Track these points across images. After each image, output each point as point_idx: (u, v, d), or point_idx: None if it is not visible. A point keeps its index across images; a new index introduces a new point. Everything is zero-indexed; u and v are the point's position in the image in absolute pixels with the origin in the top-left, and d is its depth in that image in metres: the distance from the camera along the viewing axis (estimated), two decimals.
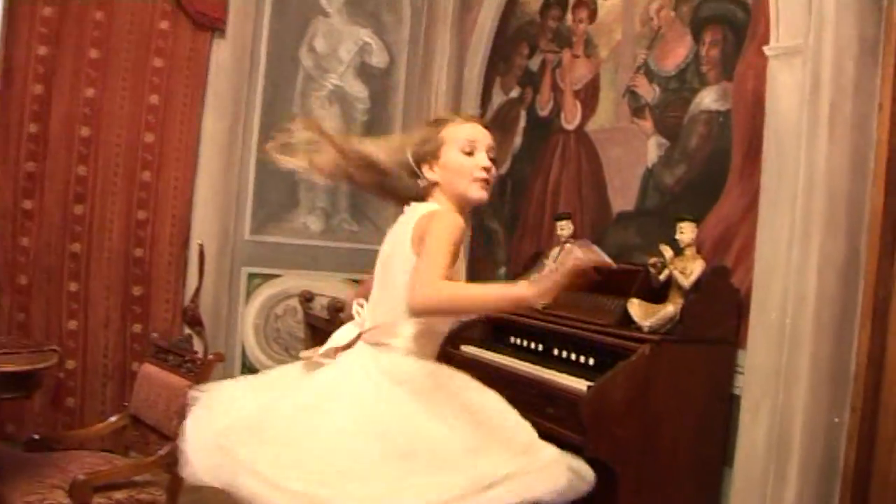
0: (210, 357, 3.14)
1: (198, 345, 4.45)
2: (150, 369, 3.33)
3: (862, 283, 2.71)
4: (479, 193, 2.16)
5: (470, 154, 2.16)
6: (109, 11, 4.70)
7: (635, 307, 3.10)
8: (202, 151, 4.90)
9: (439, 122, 2.25)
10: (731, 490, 3.09)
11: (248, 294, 5.07)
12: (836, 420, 2.74)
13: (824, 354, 2.76)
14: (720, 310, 3.05)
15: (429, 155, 2.19)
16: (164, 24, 4.80)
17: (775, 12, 3.05)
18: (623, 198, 3.73)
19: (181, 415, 2.90)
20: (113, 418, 3.40)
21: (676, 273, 3.07)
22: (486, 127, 2.24)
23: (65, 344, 4.57)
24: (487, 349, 3.62)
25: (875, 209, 2.67)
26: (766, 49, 3.07)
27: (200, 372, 3.04)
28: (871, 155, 2.70)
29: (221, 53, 4.93)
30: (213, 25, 4.87)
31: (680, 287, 3.06)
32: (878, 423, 2.63)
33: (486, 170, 2.15)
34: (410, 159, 2.20)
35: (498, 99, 4.81)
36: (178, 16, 4.82)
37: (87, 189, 4.68)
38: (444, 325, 2.17)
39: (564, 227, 3.75)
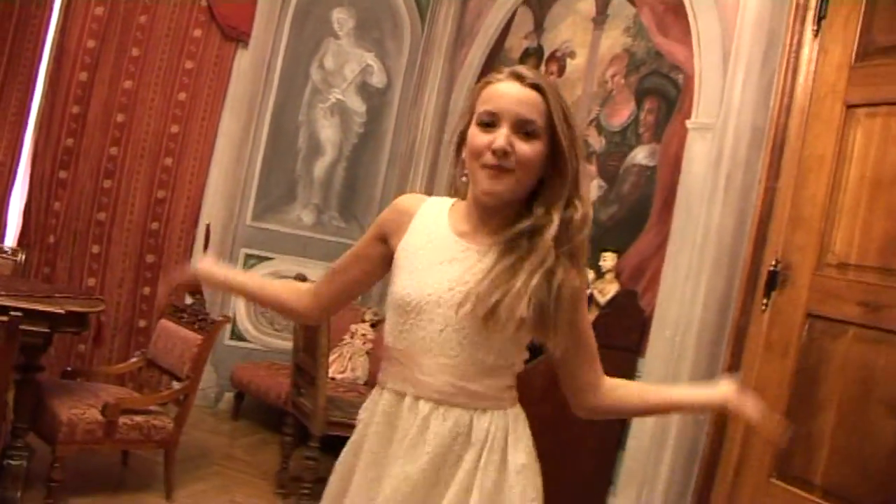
0: (220, 318, 3.90)
1: None
2: (167, 324, 4.08)
3: (731, 315, 3.50)
4: (482, 184, 1.55)
5: (488, 127, 1.55)
6: (152, 16, 5.41)
7: None
8: (218, 145, 5.61)
9: (480, 85, 1.64)
10: (621, 469, 3.88)
11: (245, 270, 5.81)
12: (701, 417, 3.54)
13: (700, 365, 3.55)
14: (627, 324, 3.84)
15: (461, 132, 1.65)
16: (197, 32, 5.52)
17: (697, 95, 3.84)
18: None
19: (192, 361, 3.70)
20: (133, 359, 4.16)
21: (596, 292, 3.86)
22: (535, 87, 1.56)
23: None
24: None
25: (746, 258, 3.46)
26: (687, 122, 3.86)
27: (211, 330, 3.80)
28: (749, 217, 3.50)
29: (243, 62, 5.65)
30: (238, 37, 5.59)
31: (598, 304, 3.85)
32: (726, 424, 3.42)
33: (497, 152, 1.51)
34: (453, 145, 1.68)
35: None
36: (210, 26, 5.54)
37: (117, 167, 5.39)
38: None
39: None
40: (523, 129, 1.54)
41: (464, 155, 1.62)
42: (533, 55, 5.14)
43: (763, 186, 3.47)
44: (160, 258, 5.50)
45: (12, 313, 2.80)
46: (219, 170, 5.64)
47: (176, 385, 3.87)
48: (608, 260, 3.91)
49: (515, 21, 5.38)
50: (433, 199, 1.73)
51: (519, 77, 1.58)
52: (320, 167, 5.95)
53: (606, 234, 4.21)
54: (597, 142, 4.44)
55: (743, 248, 3.50)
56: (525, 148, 1.54)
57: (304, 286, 1.91)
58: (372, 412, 1.66)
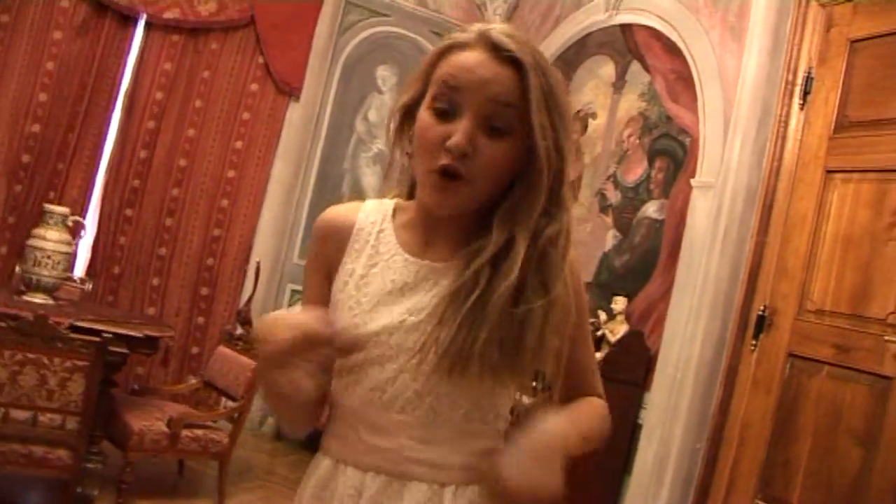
0: None
1: None
2: (224, 350, 4.57)
3: (724, 354, 3.92)
4: (429, 196, 1.22)
5: (444, 115, 1.20)
6: (214, 72, 5.98)
7: None
8: (269, 189, 6.13)
9: (440, 49, 1.26)
10: (627, 492, 4.29)
11: (290, 305, 6.29)
12: (698, 446, 3.95)
13: (696, 400, 3.97)
14: (634, 361, 4.27)
15: (404, 105, 1.29)
16: (254, 87, 6.07)
17: (701, 156, 4.30)
18: (585, 271, 4.96)
19: (246, 383, 4.18)
20: (193, 380, 4.65)
21: (607, 332, 4.30)
22: (514, 61, 1.18)
23: None
24: None
25: (738, 304, 3.89)
26: (692, 181, 4.32)
27: None
28: (742, 267, 3.93)
29: (295, 114, 6.18)
30: (291, 92, 6.14)
31: (608, 341, 4.29)
32: (719, 450, 3.84)
33: (453, 150, 1.17)
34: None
35: None
36: (265, 81, 6.09)
37: (178, 206, 5.92)
38: None
39: None
40: (492, 122, 1.19)
41: (408, 148, 1.28)
42: None
43: (754, 240, 3.91)
44: (214, 291, 6.01)
45: (104, 335, 3.31)
46: (269, 211, 6.14)
47: (231, 404, 4.34)
48: (619, 303, 4.35)
49: None
50: (369, 204, 1.38)
51: (493, 46, 1.19)
52: None
53: (619, 280, 4.65)
54: (613, 195, 4.90)
55: (736, 294, 3.94)
56: (490, 151, 1.19)
57: None
58: (304, 485, 1.33)
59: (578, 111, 5.40)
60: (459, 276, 1.23)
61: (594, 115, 5.25)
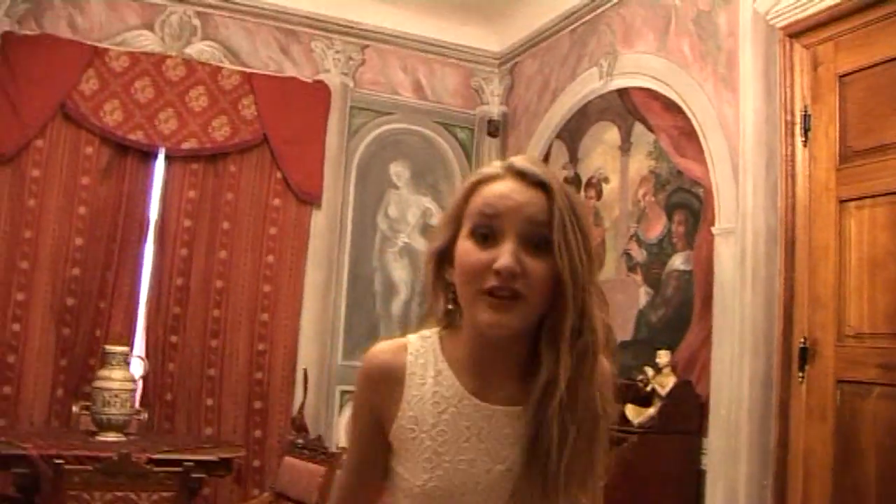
0: (338, 449, 4.53)
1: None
2: (291, 460, 4.71)
3: (774, 389, 4.04)
4: (484, 316, 1.25)
5: (485, 241, 1.27)
6: (237, 193, 6.23)
7: (629, 410, 4.45)
8: (305, 296, 6.33)
9: (470, 185, 1.35)
10: None
11: (341, 406, 6.41)
12: (765, 483, 4.04)
13: (754, 438, 4.07)
14: (687, 410, 4.39)
15: (439, 247, 1.35)
16: (276, 201, 6.31)
17: (717, 204, 4.47)
18: (623, 331, 5.10)
19: (319, 489, 4.32)
20: (266, 494, 4.79)
21: (656, 385, 4.43)
22: (541, 185, 1.28)
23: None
24: None
25: (778, 339, 4.03)
26: (713, 229, 4.48)
27: (332, 460, 4.43)
28: (776, 303, 4.08)
29: (318, 221, 6.40)
30: (312, 201, 6.37)
31: (659, 395, 4.41)
32: (787, 484, 3.93)
33: (503, 273, 1.22)
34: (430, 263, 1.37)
35: None
36: (286, 195, 6.33)
37: (220, 327, 6.11)
38: None
39: None
40: (532, 240, 1.25)
41: (450, 275, 1.32)
42: (572, 183, 5.82)
43: (783, 277, 4.06)
44: (266, 403, 6.16)
45: (185, 463, 3.47)
46: (309, 318, 6.33)
47: None
48: (663, 357, 4.48)
49: (552, 154, 6.10)
50: (413, 343, 1.39)
51: (520, 173, 1.30)
52: (397, 305, 6.64)
53: (658, 334, 4.79)
54: (638, 254, 5.07)
55: (775, 331, 4.07)
56: (536, 267, 1.25)
57: None
58: None
59: (590, 178, 5.61)
60: (531, 419, 1.27)
61: (606, 180, 5.45)
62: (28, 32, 5.76)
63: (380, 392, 1.36)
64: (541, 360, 1.29)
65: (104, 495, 3.33)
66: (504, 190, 1.28)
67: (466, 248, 1.27)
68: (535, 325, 1.30)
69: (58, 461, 3.43)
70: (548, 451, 1.25)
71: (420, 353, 1.37)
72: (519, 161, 1.33)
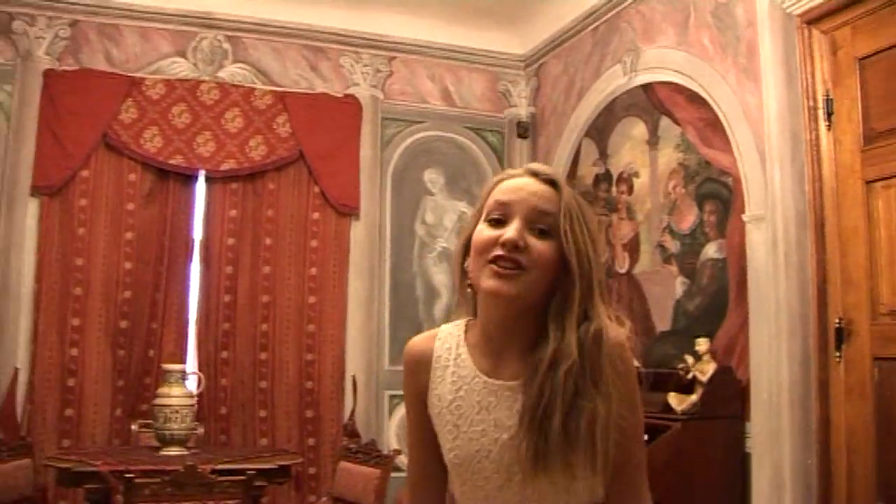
0: (391, 452, 4.67)
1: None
2: (346, 465, 4.87)
3: (812, 370, 4.12)
4: (489, 282, 1.41)
5: (498, 223, 1.45)
6: (277, 209, 6.41)
7: (672, 398, 4.54)
8: (349, 305, 6.48)
9: (493, 183, 1.56)
10: None
11: (390, 411, 6.56)
12: (809, 462, 4.12)
13: (796, 419, 4.15)
14: (729, 395, 4.47)
15: (466, 238, 1.52)
16: (316, 215, 6.48)
17: (746, 192, 4.55)
18: (661, 321, 5.20)
19: (375, 491, 4.46)
20: (323, 499, 4.95)
21: (697, 373, 4.52)
22: (551, 182, 1.49)
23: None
24: None
25: (814, 321, 4.10)
26: (743, 216, 4.57)
27: (386, 462, 4.58)
28: (809, 285, 4.16)
29: (358, 232, 6.56)
30: (350, 212, 6.53)
31: (700, 382, 4.50)
32: (831, 462, 4.01)
33: (507, 245, 1.40)
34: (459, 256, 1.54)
35: None
36: (325, 208, 6.50)
37: (269, 340, 6.29)
38: None
39: None
40: (538, 223, 1.43)
41: (466, 265, 1.49)
42: (603, 180, 5.94)
43: (814, 259, 4.14)
44: (318, 411, 6.31)
45: (247, 472, 3.64)
46: (354, 326, 6.48)
47: None
48: (702, 344, 4.57)
49: (582, 152, 6.22)
50: (443, 330, 1.58)
51: (534, 173, 1.51)
52: (439, 308, 6.77)
53: (696, 323, 4.88)
54: (672, 245, 5.16)
55: (810, 312, 4.15)
56: (539, 245, 1.41)
57: None
58: None
59: (621, 173, 5.71)
60: (531, 389, 1.41)
61: (636, 175, 5.55)
62: (67, 68, 6.00)
63: (416, 376, 1.56)
64: (547, 336, 1.43)
65: None
66: (519, 183, 1.50)
67: (480, 230, 1.47)
68: (542, 307, 1.45)
69: (128, 475, 3.62)
70: (542, 418, 1.38)
71: (446, 339, 1.55)
72: (535, 164, 1.56)
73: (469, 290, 1.53)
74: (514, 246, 1.40)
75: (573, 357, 1.40)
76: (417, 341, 1.60)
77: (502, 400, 1.46)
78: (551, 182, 1.50)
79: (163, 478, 3.57)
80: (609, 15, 5.88)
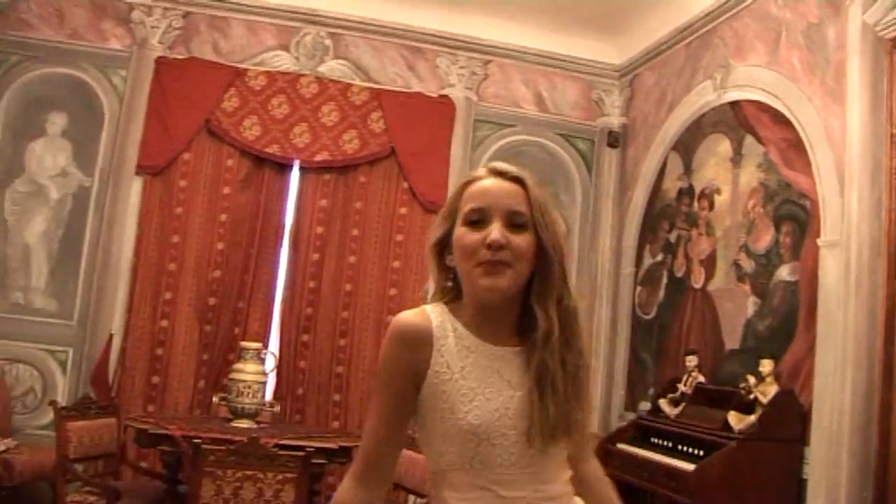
0: None
1: None
2: (407, 453, 5.01)
3: (875, 399, 4.08)
4: (482, 282, 1.55)
5: (476, 225, 1.57)
6: (365, 202, 6.62)
7: (732, 417, 4.55)
8: (429, 302, 6.64)
9: (461, 186, 1.68)
10: None
11: None
12: (865, 495, 4.08)
13: (855, 449, 4.12)
14: (789, 419, 4.45)
15: (439, 238, 1.66)
16: (403, 210, 6.66)
17: (823, 216, 4.52)
18: (731, 339, 5.19)
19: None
20: None
21: (758, 394, 4.52)
22: (517, 180, 1.62)
23: None
24: (636, 446, 5.12)
25: (879, 351, 4.06)
26: (818, 241, 4.53)
27: None
28: (879, 315, 4.11)
29: None
30: (437, 210, 6.65)
31: (761, 403, 4.50)
32: (888, 494, 3.96)
33: (493, 245, 1.53)
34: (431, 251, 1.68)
35: (647, 261, 6.39)
36: (412, 204, 6.68)
37: (348, 328, 6.50)
38: None
39: (692, 360, 5.25)
40: (513, 221, 1.57)
41: (450, 261, 1.63)
42: (686, 194, 5.94)
43: (885, 289, 4.10)
44: None
45: (307, 449, 3.83)
46: None
47: (420, 502, 4.77)
48: (766, 366, 4.56)
49: (668, 165, 6.23)
50: (430, 309, 1.65)
51: (500, 173, 1.63)
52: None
53: (765, 343, 4.86)
54: (747, 264, 5.14)
55: (877, 342, 4.11)
56: (518, 240, 1.56)
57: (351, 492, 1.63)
58: None
59: (703, 189, 5.71)
60: (536, 360, 1.58)
61: (718, 191, 5.54)
62: (177, 56, 6.33)
63: (414, 350, 1.59)
64: (534, 316, 1.60)
65: (235, 473, 3.72)
66: (488, 185, 1.62)
67: (462, 233, 1.59)
68: (523, 291, 1.61)
69: (196, 441, 3.86)
70: (553, 380, 1.57)
71: (437, 317, 1.63)
72: (497, 163, 1.69)
73: (449, 283, 1.66)
74: (499, 246, 1.54)
75: (556, 333, 1.58)
76: (413, 318, 1.64)
77: (510, 363, 1.60)
78: (517, 180, 1.63)
79: (228, 447, 3.78)
80: (703, 30, 5.89)
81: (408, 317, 1.64)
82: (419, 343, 1.59)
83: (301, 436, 4.42)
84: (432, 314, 1.63)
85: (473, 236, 1.57)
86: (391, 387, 1.61)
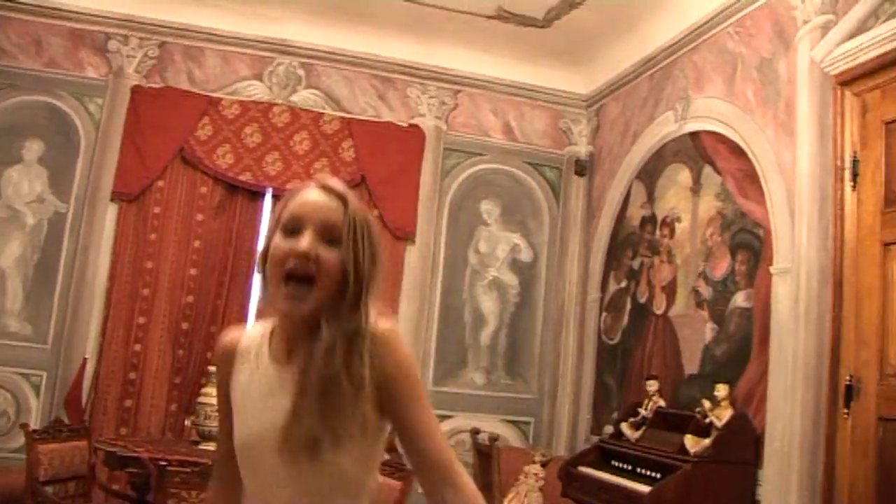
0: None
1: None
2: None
3: (822, 424, 4.20)
4: (282, 304, 1.55)
5: (292, 234, 1.56)
6: None
7: (688, 440, 4.66)
8: (399, 326, 6.71)
9: (287, 197, 1.65)
10: None
11: None
12: None
13: (804, 470, 4.23)
14: (743, 441, 4.57)
15: (265, 248, 1.63)
16: None
17: (776, 245, 4.66)
18: (690, 364, 5.31)
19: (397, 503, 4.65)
20: None
21: (713, 418, 4.63)
22: (339, 196, 1.60)
23: None
24: (597, 469, 5.21)
25: (826, 376, 4.18)
26: (771, 268, 4.67)
27: (407, 476, 4.79)
28: (826, 341, 4.24)
29: (412, 255, 6.82)
30: (406, 237, 6.80)
31: (716, 427, 4.61)
32: None
33: (299, 255, 1.52)
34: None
35: (613, 287, 6.52)
36: (382, 232, 6.70)
37: None
38: None
39: (652, 384, 5.37)
40: (327, 235, 1.54)
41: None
42: (649, 222, 6.08)
43: (831, 315, 4.23)
44: None
45: None
46: None
47: None
48: (721, 390, 4.67)
49: (632, 193, 6.38)
50: (254, 326, 1.70)
51: (323, 187, 1.60)
52: (485, 335, 6.99)
53: (721, 368, 4.98)
54: (706, 291, 5.28)
55: (823, 367, 4.23)
56: (329, 255, 1.53)
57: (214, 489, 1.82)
58: None
59: (665, 217, 5.85)
60: (306, 368, 1.54)
61: (679, 219, 5.68)
62: (153, 85, 6.45)
63: (220, 365, 1.71)
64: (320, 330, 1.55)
65: (199, 494, 3.80)
66: (309, 196, 1.59)
67: (276, 242, 1.57)
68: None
69: (162, 463, 3.94)
70: (311, 395, 1.51)
71: (254, 334, 1.69)
72: (326, 178, 1.66)
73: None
74: (305, 256, 1.52)
75: (340, 344, 1.52)
76: (229, 335, 1.72)
77: (286, 384, 1.57)
78: (340, 196, 1.60)
79: (192, 468, 3.87)
80: (665, 62, 6.05)
81: (224, 333, 1.74)
82: (222, 359, 1.70)
83: None
84: (248, 332, 1.71)
85: (284, 244, 1.55)
86: (219, 401, 1.74)
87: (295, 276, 1.52)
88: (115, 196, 6.36)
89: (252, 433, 1.59)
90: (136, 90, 6.45)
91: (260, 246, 1.72)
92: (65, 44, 6.44)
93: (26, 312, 6.24)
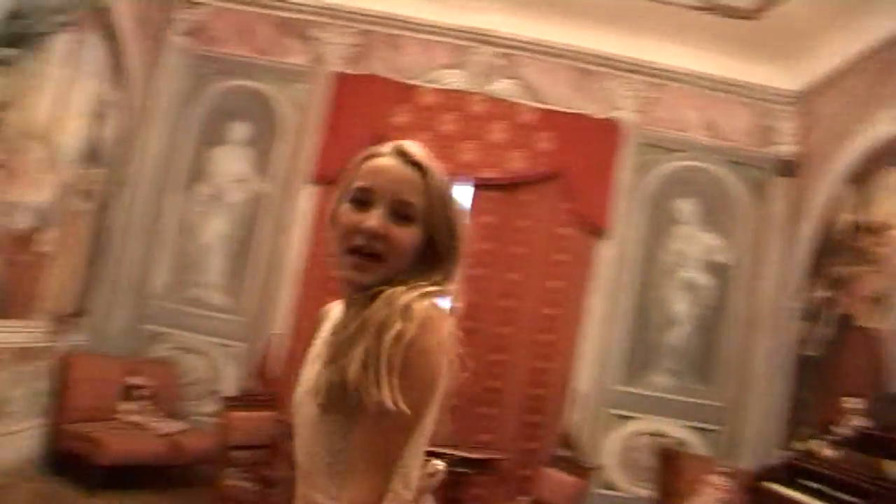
0: (592, 466, 4.82)
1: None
2: (549, 471, 5.08)
3: None
4: (344, 273, 1.46)
5: (362, 205, 1.45)
6: (529, 221, 6.71)
7: (889, 465, 4.34)
8: (587, 322, 6.64)
9: (360, 160, 1.54)
10: None
11: (611, 428, 6.64)
12: None
13: None
14: None
15: (333, 211, 1.53)
16: (565, 231, 6.69)
17: None
18: None
19: (569, 500, 4.64)
20: (524, 499, 5.19)
21: None
22: (418, 165, 1.48)
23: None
24: (785, 486, 4.93)
25: None
26: None
27: (585, 474, 4.75)
28: None
29: (605, 251, 6.73)
30: (599, 232, 6.67)
31: None
32: None
33: (367, 233, 1.42)
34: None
35: (813, 295, 6.14)
36: (575, 224, 6.69)
37: (505, 343, 6.57)
38: None
39: (852, 402, 5.03)
40: (400, 211, 1.43)
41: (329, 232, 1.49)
42: (858, 229, 5.69)
43: None
44: (541, 417, 6.53)
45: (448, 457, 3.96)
46: (588, 343, 6.65)
47: None
48: None
49: (841, 197, 5.99)
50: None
51: (402, 153, 1.47)
52: (677, 336, 6.76)
53: None
54: None
55: None
56: (400, 233, 1.42)
57: None
58: None
59: (877, 224, 5.47)
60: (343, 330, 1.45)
61: (893, 228, 5.30)
62: (354, 72, 6.65)
63: (314, 334, 1.65)
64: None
65: None
66: (383, 164, 1.47)
67: (343, 210, 1.47)
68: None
69: None
70: (333, 360, 1.42)
71: (339, 304, 1.62)
72: (404, 144, 1.52)
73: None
74: (373, 235, 1.42)
75: (352, 328, 1.42)
76: (330, 305, 1.65)
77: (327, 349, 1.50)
78: (417, 165, 1.48)
79: None
80: (887, 57, 5.63)
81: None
82: (315, 326, 1.64)
83: (447, 444, 4.55)
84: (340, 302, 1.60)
85: (352, 217, 1.45)
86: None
87: (361, 254, 1.44)
88: (314, 179, 6.59)
89: (297, 393, 1.53)
90: (337, 76, 6.66)
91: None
92: (271, 32, 6.76)
93: (227, 286, 6.60)
